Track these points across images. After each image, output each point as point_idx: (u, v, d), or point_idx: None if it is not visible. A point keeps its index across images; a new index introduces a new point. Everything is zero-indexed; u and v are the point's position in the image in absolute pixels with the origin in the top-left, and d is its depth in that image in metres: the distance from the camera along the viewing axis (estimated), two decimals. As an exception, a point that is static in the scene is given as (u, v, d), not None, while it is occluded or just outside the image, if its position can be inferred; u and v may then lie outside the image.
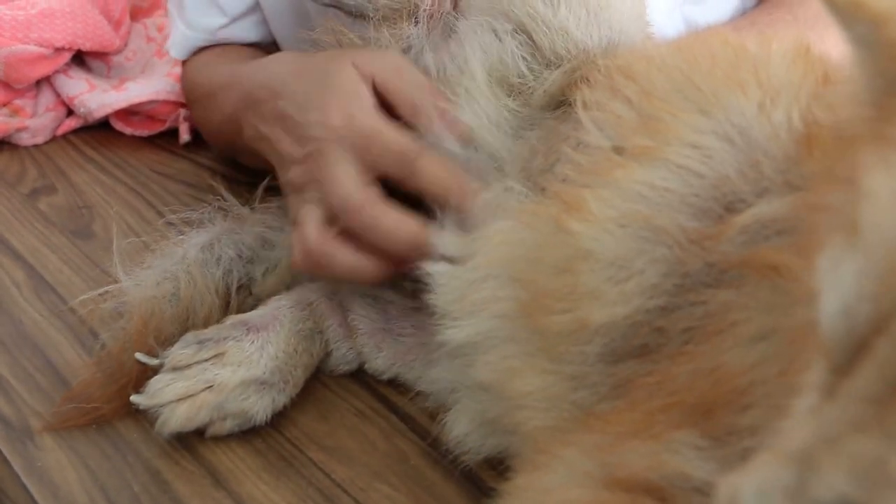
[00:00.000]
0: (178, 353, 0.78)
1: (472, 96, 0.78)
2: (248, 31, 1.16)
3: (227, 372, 0.77)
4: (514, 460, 0.66)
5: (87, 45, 1.31)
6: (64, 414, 0.80)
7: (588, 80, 0.73)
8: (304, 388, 0.82)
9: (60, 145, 1.27)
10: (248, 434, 0.78)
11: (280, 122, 0.85)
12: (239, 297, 0.89)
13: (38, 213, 1.11)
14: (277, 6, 1.13)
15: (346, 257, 0.79)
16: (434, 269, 0.73)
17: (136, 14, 1.45)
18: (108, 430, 0.77)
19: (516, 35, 0.79)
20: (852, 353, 0.36)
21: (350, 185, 0.78)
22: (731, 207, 0.59)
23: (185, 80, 1.19)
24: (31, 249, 1.04)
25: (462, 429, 0.73)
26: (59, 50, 1.29)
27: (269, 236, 0.92)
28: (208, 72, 1.12)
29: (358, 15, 0.88)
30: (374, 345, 0.84)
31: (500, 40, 0.80)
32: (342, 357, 0.85)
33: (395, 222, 0.77)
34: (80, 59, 1.35)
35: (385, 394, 0.83)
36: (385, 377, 0.84)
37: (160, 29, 1.43)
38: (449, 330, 0.70)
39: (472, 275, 0.70)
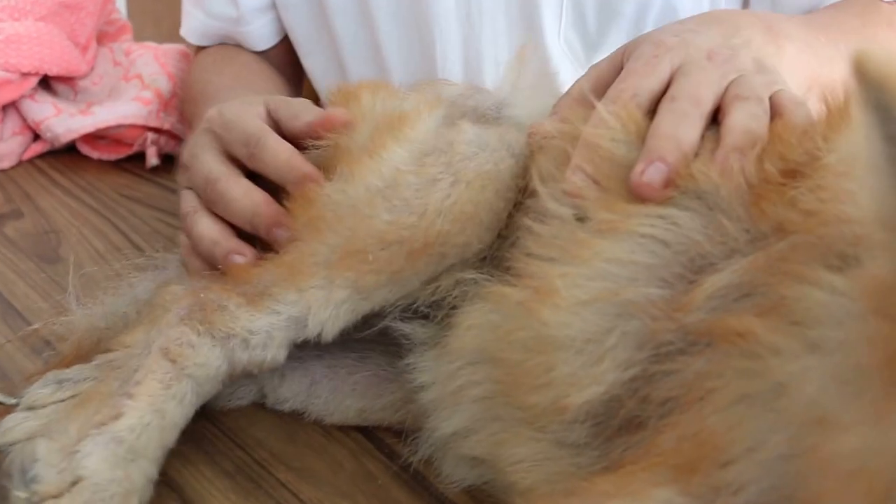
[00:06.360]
0: (36, 392, 0.77)
1: None
2: (262, 28, 1.23)
3: None
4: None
5: (53, 70, 1.32)
6: None
7: (541, 148, 0.73)
8: (271, 410, 0.82)
9: (27, 170, 1.28)
10: (217, 456, 0.78)
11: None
12: None
13: (4, 238, 1.11)
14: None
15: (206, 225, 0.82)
16: (418, 365, 0.74)
17: (102, 39, 1.46)
18: (77, 453, 0.77)
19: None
20: None
21: (210, 162, 0.83)
22: (700, 271, 0.59)
23: (188, 73, 1.29)
24: (-2, 274, 1.04)
25: (449, 465, 0.74)
26: (25, 75, 1.29)
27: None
28: (194, 77, 1.22)
29: None
30: (277, 373, 0.81)
31: None
32: (236, 392, 0.82)
33: (243, 190, 0.81)
34: (47, 83, 1.35)
35: (352, 414, 0.83)
36: (287, 407, 0.82)
37: (127, 53, 1.43)
38: (442, 423, 0.71)
39: (448, 367, 0.70)
